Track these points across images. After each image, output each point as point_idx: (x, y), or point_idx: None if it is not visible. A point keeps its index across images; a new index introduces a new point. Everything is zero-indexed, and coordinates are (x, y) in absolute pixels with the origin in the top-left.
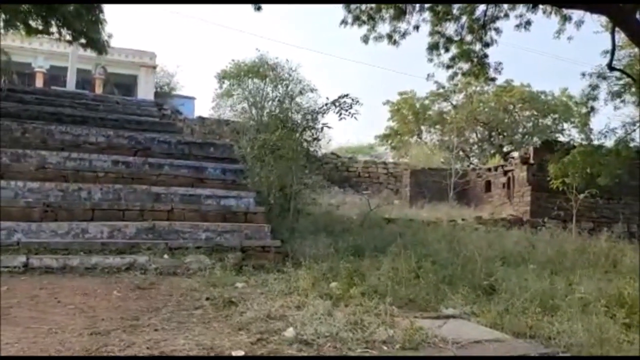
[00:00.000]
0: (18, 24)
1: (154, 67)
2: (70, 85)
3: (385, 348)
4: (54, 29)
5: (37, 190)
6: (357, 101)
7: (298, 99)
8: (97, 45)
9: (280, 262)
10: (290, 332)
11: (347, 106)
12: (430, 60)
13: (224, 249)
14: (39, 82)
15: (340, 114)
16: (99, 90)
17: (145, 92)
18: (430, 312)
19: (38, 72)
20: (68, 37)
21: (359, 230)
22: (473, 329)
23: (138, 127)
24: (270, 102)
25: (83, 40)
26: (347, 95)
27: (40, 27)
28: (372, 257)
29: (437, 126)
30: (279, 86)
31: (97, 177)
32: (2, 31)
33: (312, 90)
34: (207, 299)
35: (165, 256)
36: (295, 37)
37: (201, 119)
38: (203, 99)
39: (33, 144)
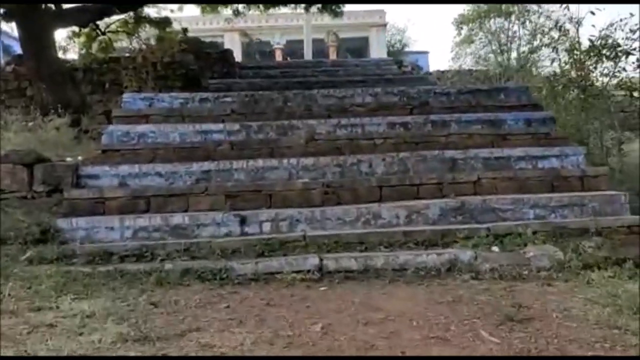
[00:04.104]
0: None
1: (384, 25)
2: (307, 56)
3: None
4: None
5: (312, 168)
6: None
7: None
8: (332, 8)
9: None
10: None
11: None
12: None
13: (568, 232)
14: (278, 57)
15: None
16: (333, 56)
17: (377, 52)
18: None
19: (276, 48)
20: (303, 5)
21: None
22: None
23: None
24: (517, 43)
25: (318, 5)
26: None
27: None
28: None
29: None
30: (527, 22)
31: (375, 145)
32: (243, 10)
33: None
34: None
35: (495, 248)
36: None
37: (439, 72)
38: (436, 52)
39: (297, 112)
